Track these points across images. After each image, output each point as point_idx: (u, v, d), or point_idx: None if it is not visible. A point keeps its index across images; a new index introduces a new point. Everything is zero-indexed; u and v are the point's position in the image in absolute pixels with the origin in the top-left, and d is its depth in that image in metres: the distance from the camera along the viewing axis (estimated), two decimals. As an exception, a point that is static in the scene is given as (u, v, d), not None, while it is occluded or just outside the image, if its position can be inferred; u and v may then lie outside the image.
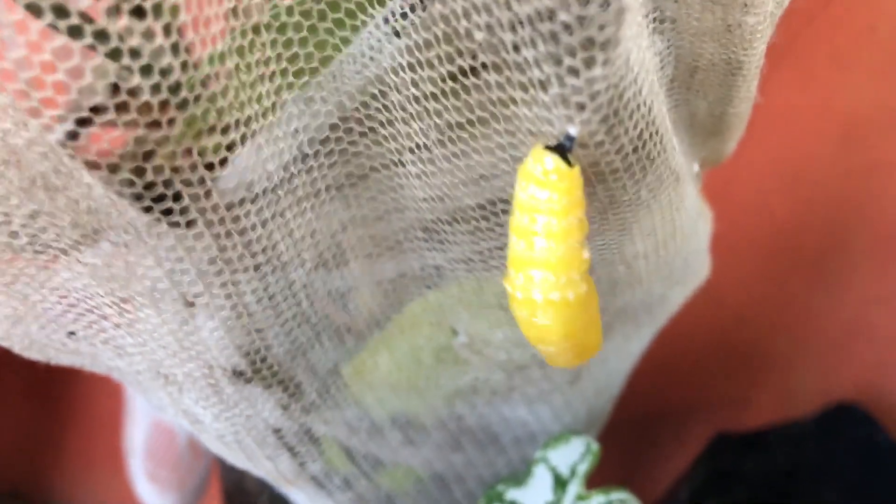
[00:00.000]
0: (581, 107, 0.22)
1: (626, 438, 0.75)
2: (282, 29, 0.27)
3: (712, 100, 0.35)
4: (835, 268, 0.73)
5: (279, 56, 0.27)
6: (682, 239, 0.36)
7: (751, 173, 0.68)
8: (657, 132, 0.26)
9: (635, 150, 0.26)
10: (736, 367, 0.78)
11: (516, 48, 0.22)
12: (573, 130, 0.23)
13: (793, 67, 0.63)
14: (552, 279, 0.25)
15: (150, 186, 0.26)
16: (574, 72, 0.21)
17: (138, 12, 0.23)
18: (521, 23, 0.21)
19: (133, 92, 0.23)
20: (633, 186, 0.28)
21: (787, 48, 0.63)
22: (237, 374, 0.35)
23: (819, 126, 0.68)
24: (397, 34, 0.26)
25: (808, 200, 0.72)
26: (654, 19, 0.28)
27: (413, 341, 0.40)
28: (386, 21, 0.26)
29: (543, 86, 0.22)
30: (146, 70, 0.23)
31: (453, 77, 0.26)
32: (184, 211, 0.27)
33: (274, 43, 0.27)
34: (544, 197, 0.24)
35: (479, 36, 0.23)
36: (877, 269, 0.73)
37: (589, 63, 0.21)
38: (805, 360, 0.77)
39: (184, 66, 0.24)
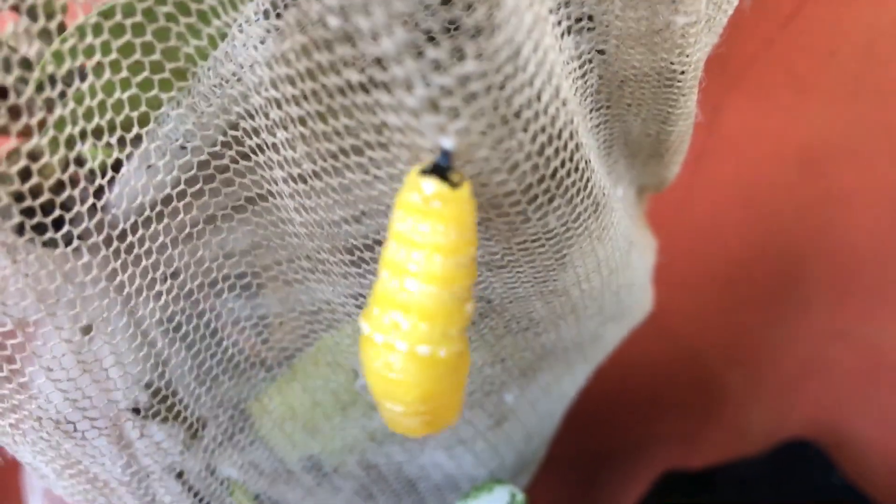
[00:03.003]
0: (454, 113, 0.18)
1: (571, 476, 0.76)
2: (117, 31, 0.22)
3: (646, 117, 0.31)
4: (791, 300, 0.71)
5: (116, 63, 0.22)
6: (609, 272, 0.31)
7: (704, 200, 0.66)
8: (565, 148, 0.22)
9: (535, 168, 0.21)
10: (687, 402, 0.76)
11: (374, 36, 0.17)
12: (446, 143, 0.18)
13: (749, 91, 0.62)
14: (424, 329, 0.20)
15: (28, 211, 0.23)
16: (438, 67, 0.16)
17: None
18: (376, 2, 0.16)
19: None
20: (537, 213, 0.23)
21: (744, 71, 0.61)
22: (134, 410, 0.32)
23: (776, 153, 0.67)
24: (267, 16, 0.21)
25: (763, 230, 0.70)
26: (570, 16, 0.24)
27: (308, 383, 0.36)
28: (257, 15, 0.22)
29: (408, 86, 0.17)
30: (6, 64, 0.21)
31: (317, 97, 0.21)
32: (67, 235, 0.24)
33: (105, 47, 0.22)
34: (427, 230, 0.19)
35: (332, 22, 0.18)
36: (834, 302, 0.71)
37: (457, 55, 0.16)
38: (759, 395, 0.75)
39: (41, 56, 0.22)
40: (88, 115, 0.22)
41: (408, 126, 0.19)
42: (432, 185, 0.19)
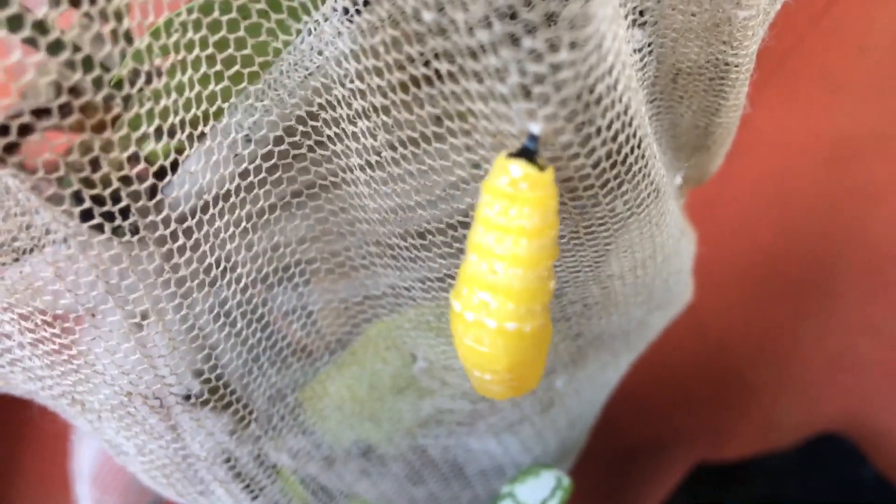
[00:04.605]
0: (544, 99, 0.19)
1: (605, 468, 0.76)
2: (215, 27, 0.23)
3: (697, 108, 0.32)
4: (821, 295, 0.71)
5: (212, 57, 0.24)
6: (662, 259, 0.33)
7: (736, 195, 0.67)
8: (635, 135, 0.23)
9: (609, 154, 0.22)
10: (718, 396, 0.76)
11: (470, 29, 0.18)
12: (535, 128, 0.20)
13: (781, 87, 0.62)
14: (511, 308, 0.22)
15: (97, 198, 0.24)
16: (536, 56, 0.18)
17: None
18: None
19: (76, 90, 0.21)
20: (607, 198, 0.24)
21: (776, 67, 0.62)
22: (186, 397, 0.33)
23: (807, 148, 0.67)
24: (350, 18, 0.23)
25: (794, 225, 0.70)
26: (634, 10, 0.25)
27: (367, 366, 0.37)
28: (336, 11, 0.23)
29: (500, 75, 0.19)
30: (87, 63, 0.21)
31: (404, 88, 0.22)
32: (133, 225, 0.24)
33: (204, 42, 0.23)
34: (514, 213, 0.21)
35: (427, 16, 0.19)
36: (864, 297, 0.71)
37: (553, 45, 0.18)
38: (789, 389, 0.75)
39: (123, 56, 0.22)
40: (166, 113, 0.23)
41: (495, 113, 0.20)
42: (520, 168, 0.20)
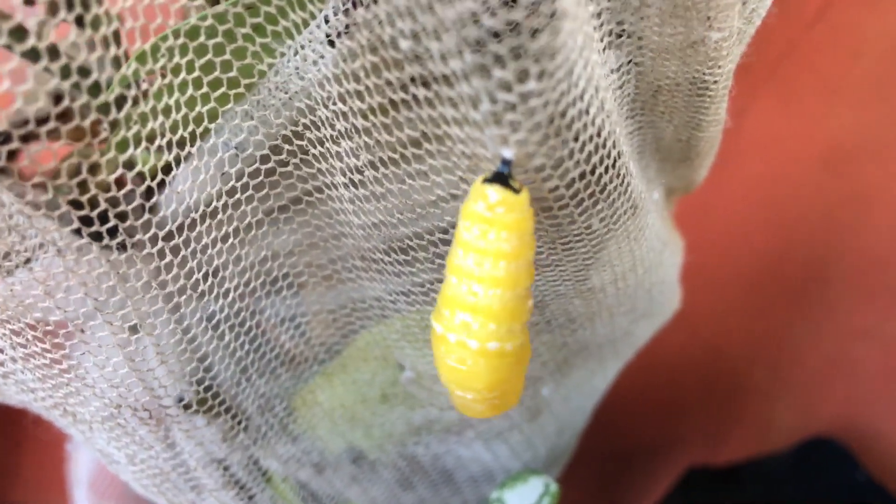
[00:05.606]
0: (515, 126, 0.19)
1: (597, 472, 0.76)
2: (201, 51, 0.24)
3: (678, 123, 0.33)
4: (815, 299, 0.72)
5: (198, 80, 0.24)
6: (643, 271, 0.33)
7: (730, 201, 0.68)
8: (609, 156, 0.24)
9: (583, 175, 0.23)
10: (712, 400, 0.77)
11: (443, 58, 0.19)
12: (507, 153, 0.20)
13: (775, 93, 0.63)
14: (493, 328, 0.23)
15: (85, 219, 0.24)
16: (505, 86, 0.18)
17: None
18: (446, 29, 0.18)
19: (64, 115, 0.21)
20: (583, 216, 0.25)
21: (770, 74, 0.62)
22: (176, 408, 0.33)
23: (801, 153, 0.68)
24: (331, 43, 0.23)
25: (788, 229, 0.71)
26: (611, 32, 0.26)
27: (356, 376, 0.38)
28: (318, 27, 0.24)
29: (473, 102, 0.19)
30: (76, 89, 0.22)
31: (384, 111, 0.23)
32: (121, 243, 0.25)
33: (190, 65, 0.24)
34: (493, 237, 0.22)
35: (404, 45, 0.20)
36: (858, 302, 0.71)
37: (522, 76, 0.18)
38: (783, 393, 0.75)
39: (109, 83, 0.23)
40: (153, 135, 0.24)
41: (470, 137, 0.21)
42: (496, 192, 0.21)
